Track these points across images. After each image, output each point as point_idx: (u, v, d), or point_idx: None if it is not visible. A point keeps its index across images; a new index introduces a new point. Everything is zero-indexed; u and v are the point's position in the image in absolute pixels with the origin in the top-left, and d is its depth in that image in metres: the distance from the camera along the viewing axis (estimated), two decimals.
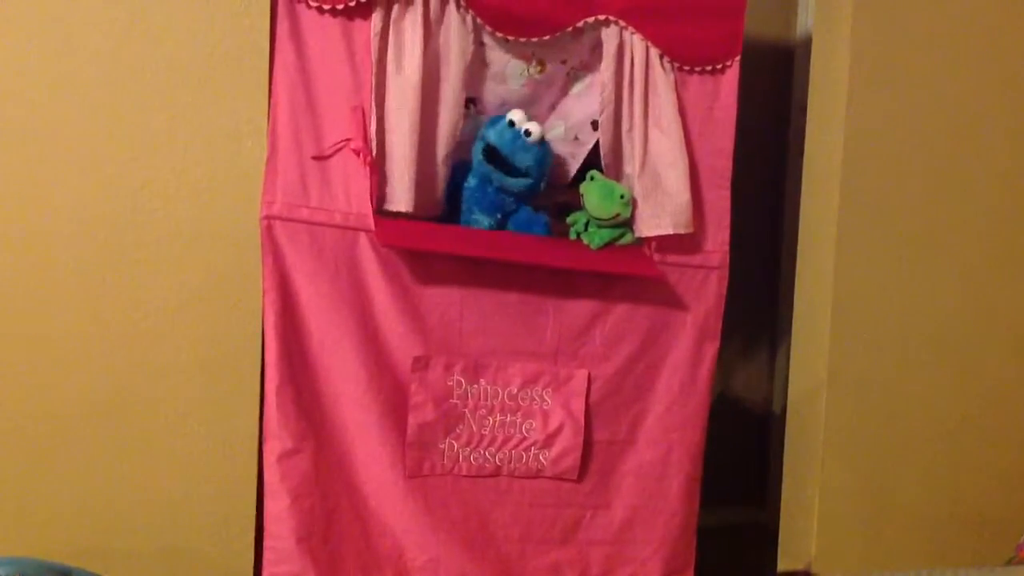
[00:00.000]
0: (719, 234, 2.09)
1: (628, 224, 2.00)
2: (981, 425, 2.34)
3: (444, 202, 1.94)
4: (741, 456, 2.97)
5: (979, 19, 2.28)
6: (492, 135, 1.88)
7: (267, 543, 1.80)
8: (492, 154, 1.89)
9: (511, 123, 1.88)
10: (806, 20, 2.83)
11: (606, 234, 1.99)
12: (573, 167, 2.06)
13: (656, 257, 2.03)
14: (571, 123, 2.03)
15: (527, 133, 1.88)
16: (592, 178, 1.98)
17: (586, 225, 2.00)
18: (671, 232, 1.98)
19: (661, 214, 1.98)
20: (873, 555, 2.27)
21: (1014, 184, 2.34)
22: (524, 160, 1.89)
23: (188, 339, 1.82)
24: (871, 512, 2.28)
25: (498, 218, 1.94)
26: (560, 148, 2.03)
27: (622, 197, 1.96)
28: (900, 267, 2.26)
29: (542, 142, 1.91)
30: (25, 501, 1.76)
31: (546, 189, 1.98)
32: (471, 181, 1.93)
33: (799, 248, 2.35)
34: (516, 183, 1.90)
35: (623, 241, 2.01)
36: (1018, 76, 2.32)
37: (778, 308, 2.95)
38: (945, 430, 2.32)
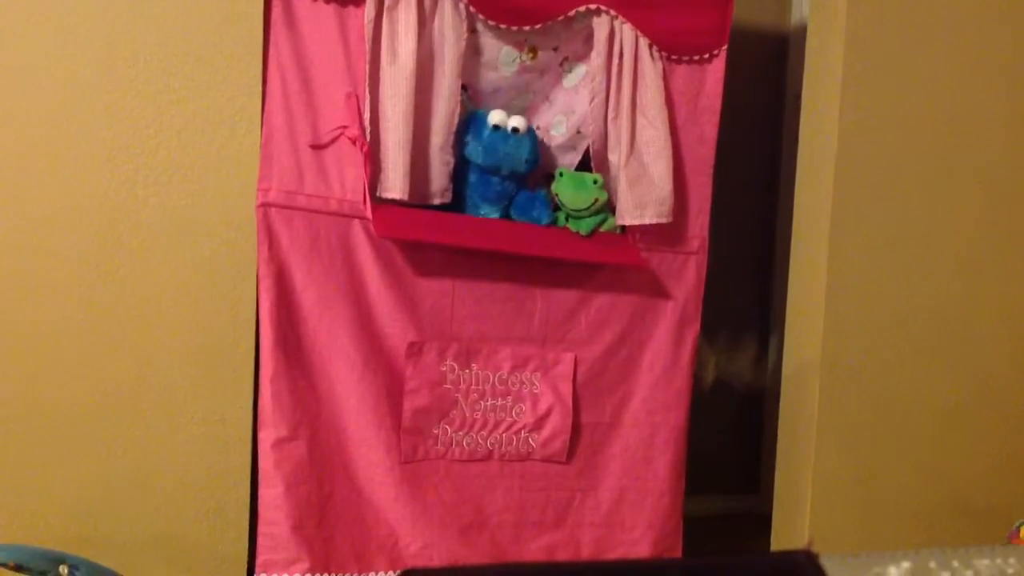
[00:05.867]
0: (699, 220, 2.12)
1: (607, 207, 2.02)
2: (974, 412, 2.35)
3: (451, 191, 1.93)
4: (735, 444, 2.98)
5: (973, 8, 2.28)
6: (479, 150, 1.91)
7: (261, 530, 1.81)
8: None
9: (495, 127, 1.90)
10: (801, 9, 2.83)
11: (592, 221, 2.01)
12: (575, 159, 2.06)
13: (639, 244, 2.05)
14: (573, 119, 2.04)
15: (515, 131, 1.91)
16: (561, 175, 1.99)
17: (566, 219, 2.01)
18: (653, 221, 2.00)
19: (645, 203, 1.99)
20: (866, 542, 2.28)
21: (1007, 172, 2.33)
22: (520, 156, 1.92)
23: (182, 326, 1.82)
24: (864, 499, 2.28)
25: (504, 205, 1.96)
26: (563, 142, 2.05)
27: (595, 182, 1.98)
28: (893, 255, 2.26)
29: (529, 128, 1.95)
30: (20, 489, 1.76)
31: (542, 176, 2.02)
32: (472, 177, 1.94)
33: (793, 235, 2.35)
34: (520, 169, 1.94)
35: (607, 226, 2.02)
36: (1012, 65, 2.32)
37: (772, 296, 2.96)
38: (938, 417, 2.32)
